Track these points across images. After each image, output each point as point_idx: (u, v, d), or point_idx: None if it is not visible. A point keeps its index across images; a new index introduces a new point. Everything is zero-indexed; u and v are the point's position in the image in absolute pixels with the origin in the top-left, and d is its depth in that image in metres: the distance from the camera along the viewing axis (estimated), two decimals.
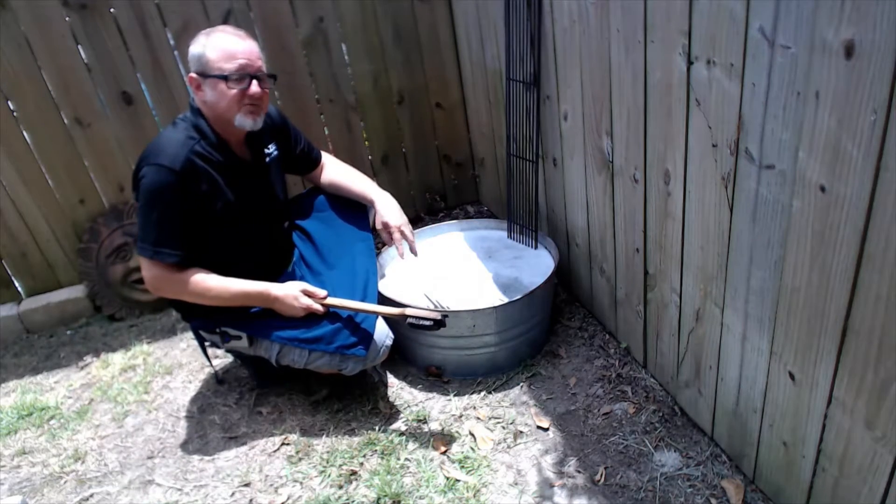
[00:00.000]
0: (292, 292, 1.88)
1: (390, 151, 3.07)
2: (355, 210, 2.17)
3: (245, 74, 1.77)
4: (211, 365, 2.23)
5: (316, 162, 2.20)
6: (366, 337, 1.90)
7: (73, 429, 2.17)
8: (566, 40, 1.93)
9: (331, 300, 1.90)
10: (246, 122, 1.81)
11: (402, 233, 2.09)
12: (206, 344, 2.07)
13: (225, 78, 1.75)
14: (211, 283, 1.84)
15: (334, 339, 1.89)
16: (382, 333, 1.95)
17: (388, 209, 2.09)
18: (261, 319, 1.92)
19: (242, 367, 2.28)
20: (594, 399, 1.99)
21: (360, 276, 2.00)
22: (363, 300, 1.94)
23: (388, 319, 1.97)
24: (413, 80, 2.95)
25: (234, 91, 1.76)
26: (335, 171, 2.22)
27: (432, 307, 1.96)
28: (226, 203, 1.85)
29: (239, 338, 1.94)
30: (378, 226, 2.10)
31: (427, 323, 1.87)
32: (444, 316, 1.88)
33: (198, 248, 1.84)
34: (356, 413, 2.06)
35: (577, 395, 2.02)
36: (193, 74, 1.78)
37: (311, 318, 1.90)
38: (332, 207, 2.17)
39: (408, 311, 1.89)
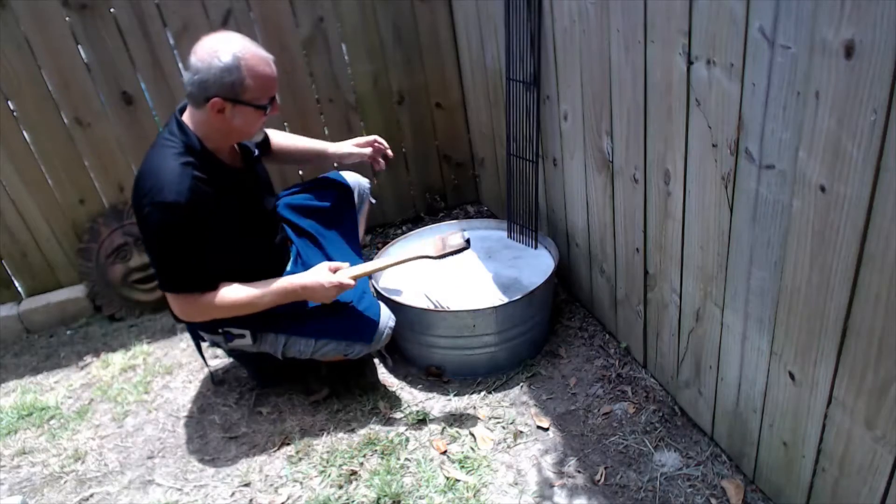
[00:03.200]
0: (320, 273, 1.85)
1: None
2: (337, 199, 2.23)
3: (272, 100, 1.75)
4: (207, 365, 2.22)
5: (268, 141, 2.15)
6: (371, 321, 1.93)
7: (73, 429, 2.17)
8: (566, 40, 1.93)
9: (353, 270, 1.90)
10: (259, 136, 1.86)
11: (378, 143, 2.22)
12: (205, 344, 2.07)
13: (263, 109, 1.72)
14: (238, 296, 1.81)
15: (340, 325, 1.91)
16: (386, 316, 1.98)
17: (346, 143, 2.22)
18: (265, 316, 1.92)
19: (242, 368, 2.28)
20: (594, 399, 1.99)
21: (354, 252, 2.08)
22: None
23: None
24: (413, 80, 2.95)
25: (263, 118, 1.75)
26: (282, 138, 2.20)
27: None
28: (229, 216, 1.83)
29: (242, 336, 1.93)
30: (346, 149, 2.20)
31: (457, 249, 1.93)
32: (467, 240, 1.94)
33: (218, 268, 1.83)
34: (356, 413, 2.06)
35: (577, 395, 2.02)
36: (219, 99, 1.65)
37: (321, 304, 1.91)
38: (313, 200, 2.22)
39: (432, 254, 1.96)
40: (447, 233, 2.01)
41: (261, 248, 1.98)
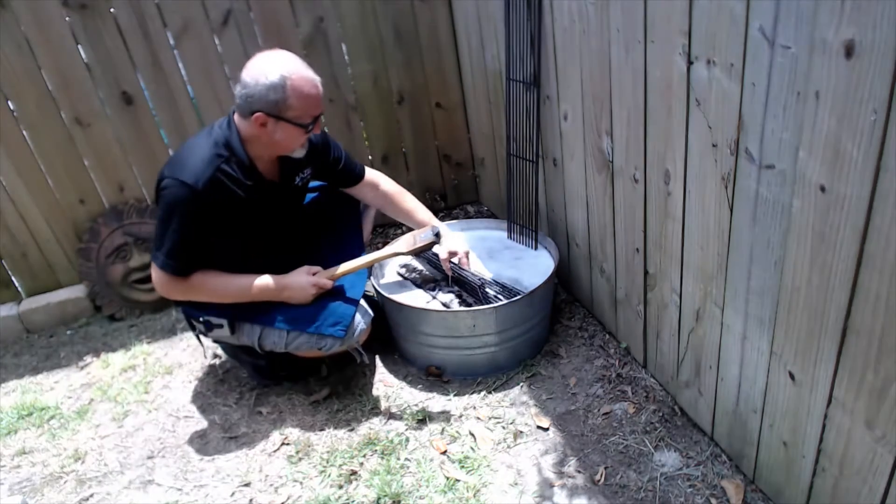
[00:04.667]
0: (300, 274, 1.95)
1: (390, 151, 3.06)
2: (341, 200, 2.25)
3: (315, 119, 1.80)
4: (202, 344, 2.20)
5: (358, 178, 2.19)
6: (344, 317, 1.94)
7: (73, 429, 2.17)
8: (566, 40, 1.93)
9: (330, 270, 1.99)
10: (301, 152, 1.87)
11: (467, 257, 2.19)
12: (195, 331, 2.09)
13: (305, 127, 1.77)
14: (218, 285, 1.90)
15: (314, 319, 1.93)
16: (360, 313, 2.00)
17: (450, 240, 2.17)
18: (242, 306, 1.94)
19: (242, 368, 2.28)
20: (594, 399, 1.99)
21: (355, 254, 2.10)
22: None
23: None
24: (413, 80, 2.94)
25: (304, 136, 1.80)
26: (398, 196, 2.24)
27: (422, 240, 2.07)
28: (245, 222, 1.87)
29: (220, 326, 1.97)
30: (443, 255, 2.15)
31: (427, 244, 2.01)
32: (436, 234, 2.01)
33: (209, 256, 1.87)
34: (356, 413, 2.06)
35: (577, 395, 2.02)
36: (262, 114, 1.72)
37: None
38: (315, 203, 2.23)
39: (401, 250, 2.02)
40: (418, 230, 2.08)
41: (265, 257, 1.99)
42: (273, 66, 1.70)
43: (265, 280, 1.92)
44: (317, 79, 1.77)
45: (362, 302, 2.03)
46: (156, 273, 1.87)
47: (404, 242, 2.04)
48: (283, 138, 1.79)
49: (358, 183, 2.19)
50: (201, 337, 2.11)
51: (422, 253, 2.04)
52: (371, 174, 2.22)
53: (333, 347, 1.97)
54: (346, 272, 2.01)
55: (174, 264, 1.83)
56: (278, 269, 1.99)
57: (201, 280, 1.87)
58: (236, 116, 1.81)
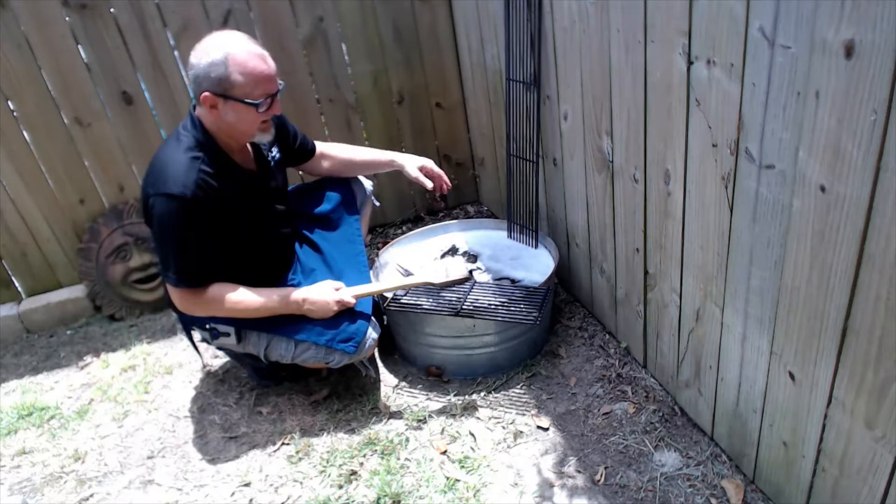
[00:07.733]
0: (325, 289, 1.90)
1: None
2: (339, 203, 2.24)
3: (269, 98, 1.73)
4: (198, 352, 2.21)
5: (311, 152, 2.18)
6: (357, 333, 1.91)
7: (73, 429, 2.17)
8: (566, 40, 1.93)
9: (356, 289, 1.96)
10: (264, 137, 1.82)
11: (437, 172, 2.27)
12: (197, 339, 2.08)
13: (255, 106, 1.70)
14: (240, 298, 1.84)
15: (325, 332, 1.90)
16: (371, 328, 1.97)
17: (412, 159, 2.25)
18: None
19: (242, 368, 2.28)
20: (594, 399, 1.99)
21: (357, 257, 2.12)
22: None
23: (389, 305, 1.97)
24: (413, 79, 2.95)
25: (258, 116, 1.74)
26: (345, 152, 2.26)
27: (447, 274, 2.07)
28: (234, 216, 1.84)
29: (227, 334, 1.94)
30: (413, 174, 2.21)
31: (460, 279, 2.01)
32: (471, 271, 2.00)
33: (217, 263, 1.85)
34: (356, 413, 2.06)
35: (577, 395, 2.02)
36: (209, 94, 1.66)
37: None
38: (314, 206, 2.22)
39: (435, 280, 2.00)
40: (450, 261, 2.07)
41: (262, 251, 1.98)
42: (215, 44, 1.66)
43: (287, 292, 1.88)
44: (264, 54, 1.70)
45: (371, 317, 2.00)
46: (172, 292, 1.83)
47: (435, 273, 2.00)
48: (236, 120, 1.72)
49: (312, 157, 2.19)
50: (198, 345, 2.11)
51: (451, 286, 2.04)
52: (321, 146, 2.22)
53: (342, 362, 1.93)
54: (370, 293, 1.98)
55: (187, 279, 1.79)
56: (278, 270, 1.98)
57: (220, 293, 1.83)
58: (197, 110, 1.77)
